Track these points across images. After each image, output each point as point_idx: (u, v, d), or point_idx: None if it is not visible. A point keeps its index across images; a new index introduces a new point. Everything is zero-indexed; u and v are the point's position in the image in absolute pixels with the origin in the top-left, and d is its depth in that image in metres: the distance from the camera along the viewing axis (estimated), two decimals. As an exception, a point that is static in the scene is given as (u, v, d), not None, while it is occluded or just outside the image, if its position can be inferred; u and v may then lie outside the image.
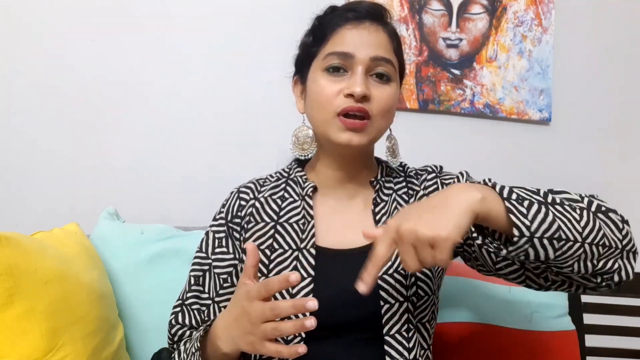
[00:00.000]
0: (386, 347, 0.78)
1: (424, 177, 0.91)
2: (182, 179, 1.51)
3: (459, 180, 0.89)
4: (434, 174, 0.91)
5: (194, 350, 0.75)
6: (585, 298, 1.40)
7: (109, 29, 1.48)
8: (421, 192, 0.89)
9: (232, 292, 0.86)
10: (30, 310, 0.83)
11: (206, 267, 0.87)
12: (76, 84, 1.46)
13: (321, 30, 0.85)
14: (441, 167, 0.95)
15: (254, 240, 0.85)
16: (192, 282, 0.87)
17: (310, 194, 0.87)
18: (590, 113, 1.75)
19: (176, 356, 0.83)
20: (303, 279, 0.80)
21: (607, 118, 1.76)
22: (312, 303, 0.63)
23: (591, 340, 1.36)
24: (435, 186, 0.90)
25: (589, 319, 1.38)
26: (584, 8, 1.74)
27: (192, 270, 0.88)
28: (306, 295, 0.78)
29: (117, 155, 1.49)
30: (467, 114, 1.67)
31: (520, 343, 1.22)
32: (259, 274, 0.82)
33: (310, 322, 0.64)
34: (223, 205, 0.91)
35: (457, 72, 1.66)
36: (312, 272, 0.80)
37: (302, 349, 0.65)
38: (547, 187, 1.80)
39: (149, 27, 1.51)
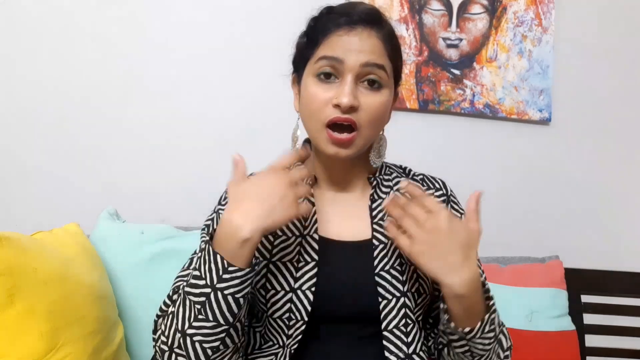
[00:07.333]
0: (385, 342, 0.79)
1: (431, 191, 0.91)
2: (183, 179, 1.51)
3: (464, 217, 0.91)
4: (442, 192, 0.92)
5: (202, 247, 0.72)
6: (585, 298, 1.40)
7: (109, 30, 1.48)
8: None
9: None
10: (30, 310, 0.83)
11: None
12: (76, 85, 1.46)
13: (314, 33, 0.85)
14: (449, 189, 0.94)
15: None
16: None
17: (310, 183, 0.88)
18: (590, 113, 1.74)
19: (171, 293, 0.78)
20: (307, 263, 0.81)
21: (607, 118, 1.75)
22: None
23: (591, 340, 1.36)
24: (443, 205, 0.89)
25: (589, 319, 1.38)
26: (584, 8, 1.73)
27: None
28: (310, 279, 0.79)
29: (117, 156, 1.49)
30: (467, 114, 1.67)
31: (520, 343, 1.22)
32: (261, 258, 0.83)
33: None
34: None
35: (457, 72, 1.66)
36: (317, 257, 0.81)
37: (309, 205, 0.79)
38: (547, 187, 1.79)
39: (149, 28, 1.51)
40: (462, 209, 0.92)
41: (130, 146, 1.49)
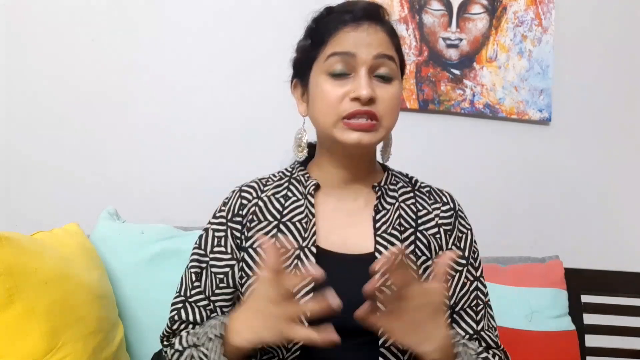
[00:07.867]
0: (381, 359, 0.78)
1: (438, 205, 0.90)
2: (183, 179, 1.51)
3: (471, 233, 0.90)
4: (449, 206, 0.90)
5: (212, 337, 0.74)
6: (585, 298, 1.40)
7: (110, 30, 1.48)
8: (432, 216, 0.88)
9: (228, 293, 0.85)
10: (30, 310, 0.83)
11: (204, 265, 0.86)
12: (77, 86, 1.46)
13: (318, 33, 0.85)
14: (457, 203, 0.93)
15: (257, 239, 0.84)
16: (194, 278, 0.86)
17: (313, 192, 0.86)
18: (590, 113, 1.75)
19: (176, 342, 0.80)
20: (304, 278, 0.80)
21: (607, 118, 1.76)
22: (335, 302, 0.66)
23: (591, 340, 1.36)
24: (450, 219, 0.88)
25: (589, 319, 1.38)
26: (584, 8, 1.74)
27: (192, 267, 0.87)
28: (306, 294, 0.78)
29: (118, 156, 1.49)
30: (467, 114, 1.67)
31: (520, 343, 1.22)
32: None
33: (336, 302, 0.65)
34: (224, 204, 0.90)
35: (457, 72, 1.66)
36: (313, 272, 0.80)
37: (336, 337, 0.66)
38: (547, 187, 1.79)
39: (150, 29, 1.51)
40: (469, 225, 0.90)
41: (130, 146, 1.49)
